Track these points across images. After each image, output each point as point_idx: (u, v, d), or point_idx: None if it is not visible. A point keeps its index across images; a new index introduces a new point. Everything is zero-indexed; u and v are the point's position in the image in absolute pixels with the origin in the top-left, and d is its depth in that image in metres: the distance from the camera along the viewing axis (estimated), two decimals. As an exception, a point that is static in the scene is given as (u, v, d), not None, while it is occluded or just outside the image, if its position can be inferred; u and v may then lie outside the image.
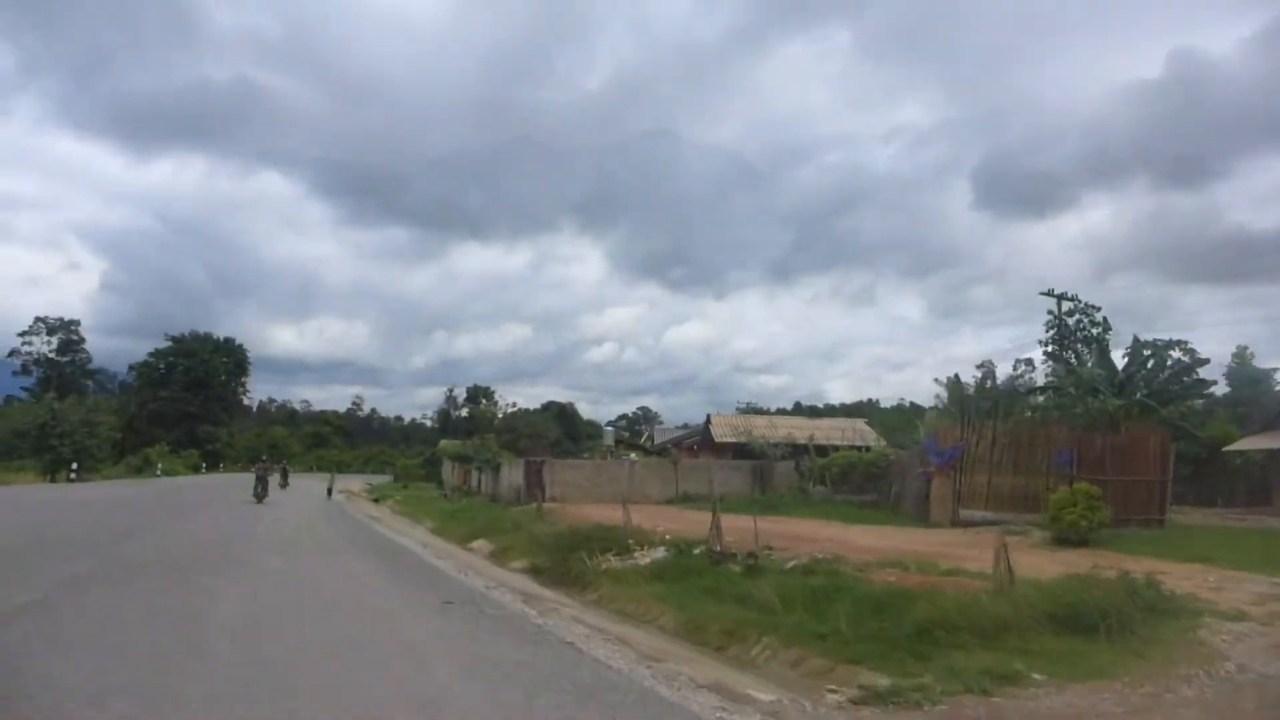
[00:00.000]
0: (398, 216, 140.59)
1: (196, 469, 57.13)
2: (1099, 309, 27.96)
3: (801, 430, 25.28)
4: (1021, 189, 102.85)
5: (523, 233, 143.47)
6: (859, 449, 23.51)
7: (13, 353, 61.28)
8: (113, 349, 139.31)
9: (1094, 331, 27.82)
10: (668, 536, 14.32)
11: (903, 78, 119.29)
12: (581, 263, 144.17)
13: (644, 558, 13.19)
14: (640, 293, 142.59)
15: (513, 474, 28.49)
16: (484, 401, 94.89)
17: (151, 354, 63.41)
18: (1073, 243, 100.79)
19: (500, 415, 48.82)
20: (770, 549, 12.73)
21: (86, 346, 62.87)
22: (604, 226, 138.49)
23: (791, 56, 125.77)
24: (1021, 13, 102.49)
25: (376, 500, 35.22)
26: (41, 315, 61.93)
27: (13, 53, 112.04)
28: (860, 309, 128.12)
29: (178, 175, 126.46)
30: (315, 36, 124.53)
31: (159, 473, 46.38)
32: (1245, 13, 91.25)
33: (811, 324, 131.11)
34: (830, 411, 56.32)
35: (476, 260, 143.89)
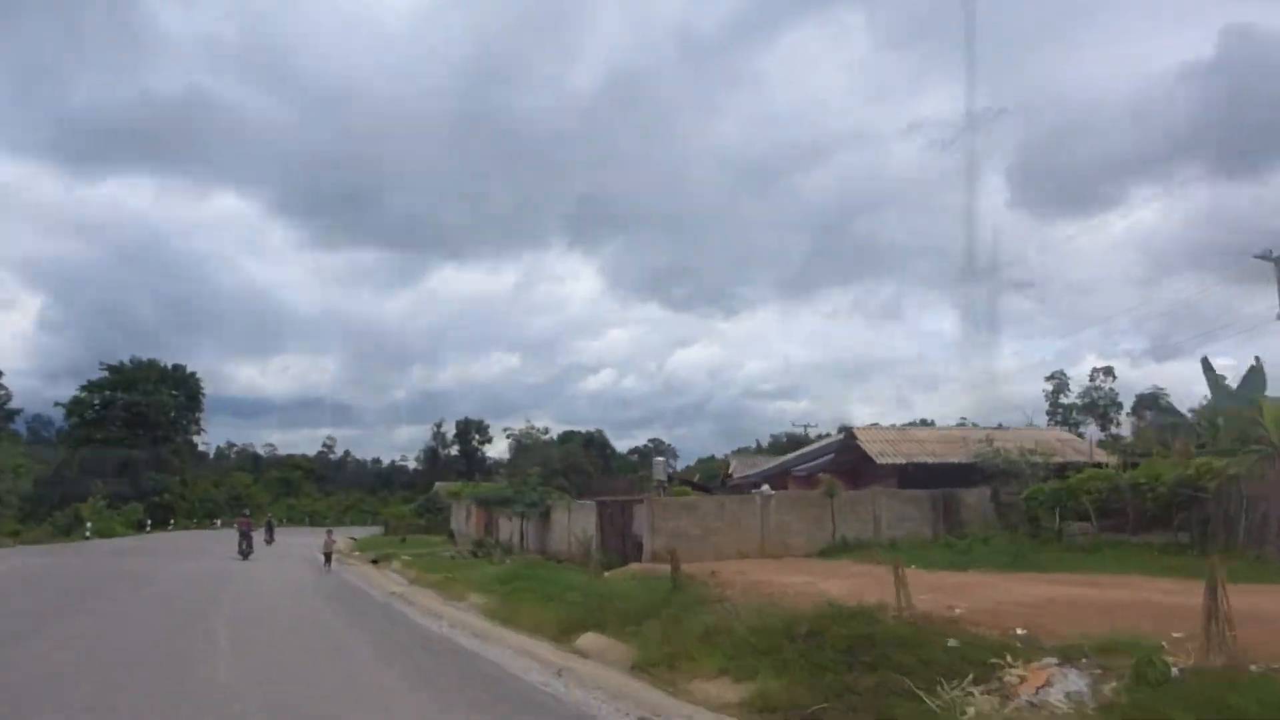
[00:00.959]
0: (368, 237, 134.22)
1: (141, 527, 49.84)
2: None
3: (969, 446, 19.08)
4: (1062, 185, 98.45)
5: (507, 251, 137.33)
6: (1094, 466, 17.37)
7: (-90, 393, 53.60)
8: (53, 395, 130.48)
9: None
10: (1019, 630, 8.10)
11: (926, 64, 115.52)
12: (573, 282, 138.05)
13: (1032, 688, 6.94)
14: (640, 313, 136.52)
15: (574, 521, 22.10)
16: (476, 436, 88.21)
17: (84, 387, 55.69)
18: (1120, 242, 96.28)
19: (523, 445, 42.45)
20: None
21: (5, 383, 55.24)
22: (597, 241, 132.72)
23: (800, 45, 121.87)
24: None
25: (375, 562, 28.64)
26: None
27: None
28: (886, 323, 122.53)
29: (124, 198, 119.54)
30: (275, 43, 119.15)
31: (89, 534, 39.23)
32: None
33: (832, 342, 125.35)
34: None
35: (457, 283, 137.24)
